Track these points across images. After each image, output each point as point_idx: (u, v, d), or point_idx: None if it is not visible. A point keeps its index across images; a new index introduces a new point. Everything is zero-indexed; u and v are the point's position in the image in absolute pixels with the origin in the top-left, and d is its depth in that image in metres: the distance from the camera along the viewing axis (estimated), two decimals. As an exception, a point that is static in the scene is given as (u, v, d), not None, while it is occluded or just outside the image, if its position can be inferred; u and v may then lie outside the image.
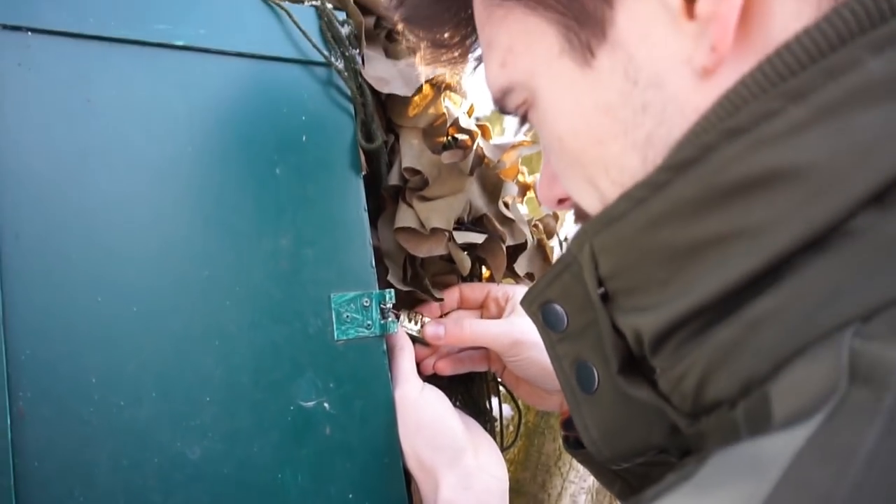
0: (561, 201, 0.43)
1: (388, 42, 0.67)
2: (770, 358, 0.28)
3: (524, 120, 0.40)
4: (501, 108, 0.40)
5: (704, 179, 0.30)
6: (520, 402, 0.79)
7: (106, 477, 0.45)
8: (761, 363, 0.28)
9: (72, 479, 0.44)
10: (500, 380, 0.70)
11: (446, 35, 0.46)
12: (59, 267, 0.46)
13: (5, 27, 0.46)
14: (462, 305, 0.66)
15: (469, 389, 0.70)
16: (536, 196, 0.44)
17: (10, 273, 0.44)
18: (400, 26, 0.47)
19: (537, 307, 0.41)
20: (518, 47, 0.37)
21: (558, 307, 0.39)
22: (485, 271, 0.73)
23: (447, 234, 0.62)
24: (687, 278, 0.31)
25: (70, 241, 0.47)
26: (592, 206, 0.37)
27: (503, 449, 0.68)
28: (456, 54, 0.47)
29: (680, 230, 0.31)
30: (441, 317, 0.67)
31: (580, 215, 0.40)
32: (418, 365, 0.62)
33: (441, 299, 0.64)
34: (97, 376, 0.46)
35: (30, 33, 0.47)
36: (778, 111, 0.28)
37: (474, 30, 0.43)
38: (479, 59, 0.46)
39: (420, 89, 0.63)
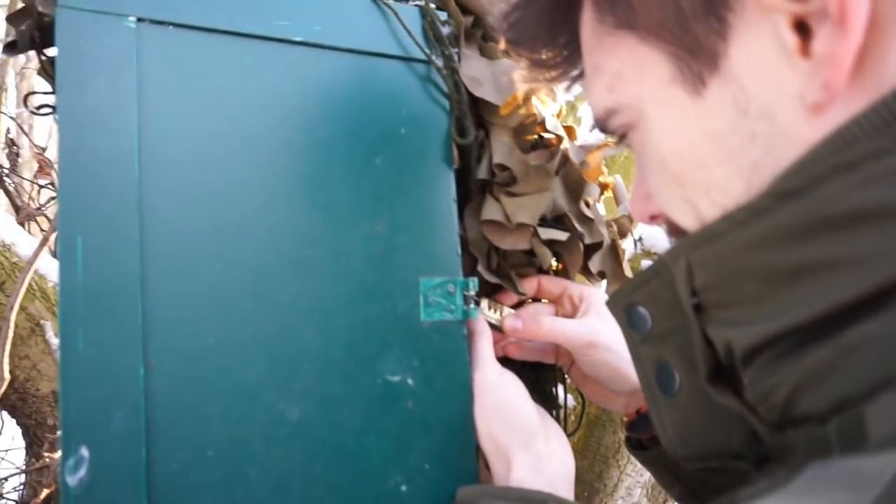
0: (653, 217, 0.45)
1: (483, 41, 0.71)
2: (867, 380, 0.29)
3: (622, 139, 0.42)
4: (602, 128, 0.43)
5: (810, 209, 0.32)
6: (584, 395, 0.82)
7: (218, 428, 0.50)
8: (858, 385, 0.30)
9: (189, 426, 0.50)
10: (566, 374, 0.73)
11: (548, 56, 0.48)
12: (187, 238, 0.51)
13: (152, 21, 0.52)
14: (538, 295, 0.70)
15: (538, 376, 0.74)
16: (630, 211, 0.47)
17: (149, 243, 0.50)
18: (503, 45, 0.49)
19: (622, 308, 0.44)
20: (627, 74, 0.39)
21: (643, 310, 0.42)
22: (555, 263, 0.76)
23: (532, 229, 0.66)
24: (784, 299, 0.33)
25: (196, 217, 0.52)
26: (688, 223, 0.39)
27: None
28: (554, 74, 0.49)
29: (779, 254, 0.33)
30: (518, 303, 0.70)
31: (674, 231, 0.42)
32: None
33: (524, 293, 0.67)
34: (214, 339, 0.51)
35: (171, 27, 0.53)
36: (889, 150, 0.30)
37: (575, 52, 0.45)
38: (575, 79, 0.49)
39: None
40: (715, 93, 0.35)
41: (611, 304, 0.45)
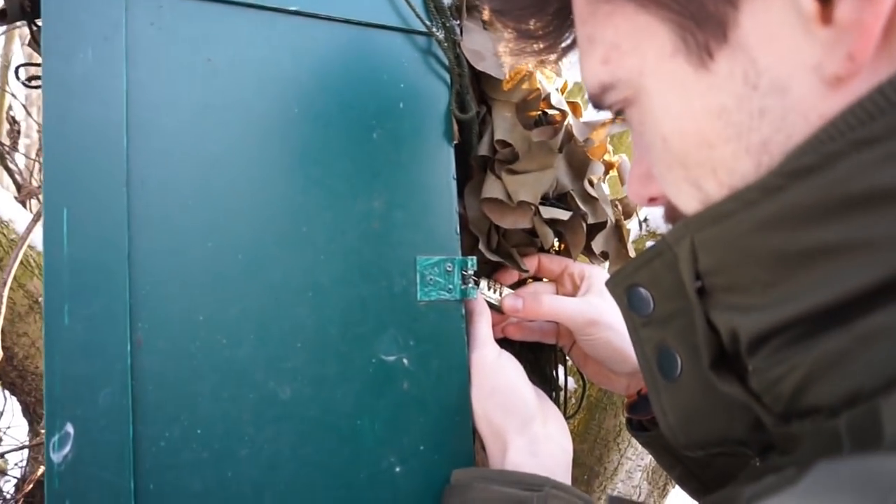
0: (652, 199, 0.42)
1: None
2: (883, 373, 0.28)
3: (619, 115, 0.39)
4: (597, 104, 0.39)
5: (825, 188, 0.29)
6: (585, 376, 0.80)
7: (208, 406, 0.49)
8: (872, 378, 0.28)
9: (179, 404, 0.49)
10: (567, 355, 0.72)
11: (535, 26, 0.44)
12: (177, 212, 0.50)
13: (142, -12, 0.50)
14: (539, 273, 0.68)
15: (538, 357, 0.72)
16: (628, 192, 0.44)
17: (137, 216, 0.48)
18: (487, 16, 0.46)
19: (623, 290, 0.42)
20: (624, 45, 0.36)
21: (644, 292, 0.40)
22: (557, 243, 0.74)
23: (533, 208, 0.64)
24: (795, 284, 0.31)
25: (188, 189, 0.51)
26: (691, 206, 0.37)
27: (565, 419, 0.71)
28: (542, 46, 0.45)
29: (791, 236, 0.31)
30: (517, 283, 0.69)
31: (673, 215, 0.40)
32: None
33: (527, 271, 0.66)
34: (204, 315, 0.50)
35: (162, -6, 0.51)
36: None
37: (565, 22, 0.42)
38: (566, 51, 0.46)
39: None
40: (723, 66, 0.32)
41: (611, 284, 0.43)
